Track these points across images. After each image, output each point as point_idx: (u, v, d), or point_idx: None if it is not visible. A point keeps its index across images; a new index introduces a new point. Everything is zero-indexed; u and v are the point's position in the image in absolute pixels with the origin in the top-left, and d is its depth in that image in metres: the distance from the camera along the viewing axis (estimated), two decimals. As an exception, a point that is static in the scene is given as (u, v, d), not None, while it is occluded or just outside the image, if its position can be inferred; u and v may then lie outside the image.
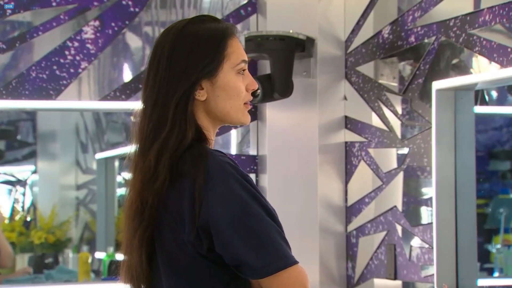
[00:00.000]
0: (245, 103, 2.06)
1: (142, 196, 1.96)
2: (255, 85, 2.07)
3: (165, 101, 1.98)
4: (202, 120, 2.02)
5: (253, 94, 2.11)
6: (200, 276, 1.93)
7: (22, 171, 6.37)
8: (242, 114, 2.06)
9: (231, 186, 1.90)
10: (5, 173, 6.34)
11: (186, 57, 2.00)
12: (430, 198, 3.62)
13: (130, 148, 2.03)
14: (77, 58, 4.12)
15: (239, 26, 4.33)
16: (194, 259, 1.93)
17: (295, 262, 1.89)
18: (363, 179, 4.12)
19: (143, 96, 2.03)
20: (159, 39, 2.05)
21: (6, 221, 5.87)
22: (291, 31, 3.99)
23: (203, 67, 2.00)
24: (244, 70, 2.05)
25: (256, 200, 1.90)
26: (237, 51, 2.04)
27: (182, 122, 1.97)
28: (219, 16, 4.42)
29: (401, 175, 3.89)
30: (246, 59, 2.06)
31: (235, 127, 4.36)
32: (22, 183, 6.32)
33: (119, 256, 2.05)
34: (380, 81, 4.03)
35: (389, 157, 4.04)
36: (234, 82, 2.02)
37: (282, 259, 1.88)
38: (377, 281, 4.01)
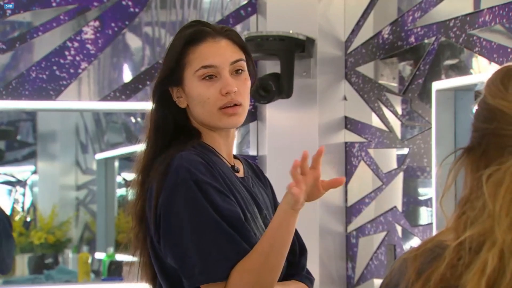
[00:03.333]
0: (221, 108, 2.00)
1: (140, 195, 2.00)
2: (228, 88, 1.99)
3: (152, 106, 2.06)
4: (197, 126, 2.04)
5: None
6: (179, 278, 1.93)
7: (22, 171, 6.37)
8: (218, 119, 2.01)
9: (176, 193, 1.90)
10: (5, 174, 6.33)
11: (162, 66, 2.05)
12: (430, 199, 3.62)
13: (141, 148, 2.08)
14: (77, 58, 4.12)
15: (239, 27, 4.33)
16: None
17: (219, 279, 1.86)
18: (363, 180, 4.12)
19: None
20: None
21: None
22: (291, 32, 3.99)
23: (167, 75, 2.02)
24: (211, 75, 1.99)
25: (199, 208, 1.88)
26: (199, 58, 2.00)
27: (157, 126, 2.02)
28: (218, 17, 4.43)
29: (401, 176, 3.89)
30: (213, 63, 1.99)
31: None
32: (22, 183, 6.31)
33: (124, 257, 2.06)
34: (380, 82, 4.03)
35: (389, 158, 4.04)
36: (196, 90, 2.00)
37: (204, 274, 1.86)
38: (377, 281, 4.00)
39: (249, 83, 2.05)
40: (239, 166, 2.10)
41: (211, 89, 1.99)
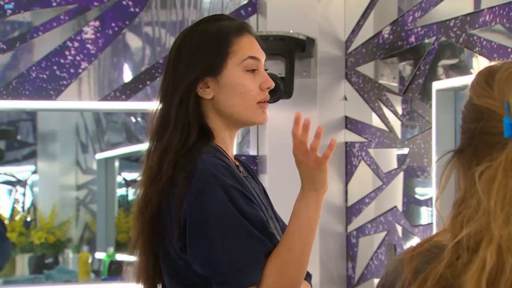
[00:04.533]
0: (259, 102, 2.01)
1: (147, 196, 1.94)
2: (269, 83, 2.01)
3: (170, 100, 1.98)
4: (214, 120, 1.99)
5: (269, 93, 2.07)
6: (193, 279, 1.91)
7: (22, 171, 6.37)
8: (255, 113, 2.01)
9: (203, 198, 1.85)
10: (5, 173, 6.34)
11: (190, 56, 1.98)
12: (430, 199, 3.62)
13: (143, 148, 2.03)
14: (77, 58, 4.12)
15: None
16: (187, 264, 1.90)
17: (252, 284, 1.84)
18: (363, 179, 4.12)
19: (157, 96, 2.03)
20: (175, 39, 2.06)
21: (6, 221, 5.87)
22: (291, 31, 3.99)
23: (205, 64, 1.96)
24: (254, 69, 2.00)
25: (227, 214, 1.84)
26: (244, 48, 1.99)
27: (185, 121, 1.95)
28: (219, 16, 4.42)
29: (401, 175, 3.89)
30: (258, 56, 2.01)
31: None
32: (22, 183, 6.31)
33: (126, 256, 2.03)
34: (380, 81, 4.03)
35: (389, 157, 4.04)
36: (240, 79, 1.98)
37: (237, 279, 1.83)
38: (377, 281, 4.00)
39: None
40: (240, 166, 2.09)
41: (253, 82, 1.99)
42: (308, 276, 2.07)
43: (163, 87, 2.01)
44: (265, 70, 2.06)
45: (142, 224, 1.96)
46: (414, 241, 3.78)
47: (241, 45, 1.99)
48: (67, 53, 4.12)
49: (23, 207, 6.25)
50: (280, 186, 4.19)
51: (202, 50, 1.97)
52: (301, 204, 1.90)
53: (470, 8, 3.46)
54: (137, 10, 4.20)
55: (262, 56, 2.03)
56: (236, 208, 1.85)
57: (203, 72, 1.97)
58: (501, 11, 3.21)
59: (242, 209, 1.86)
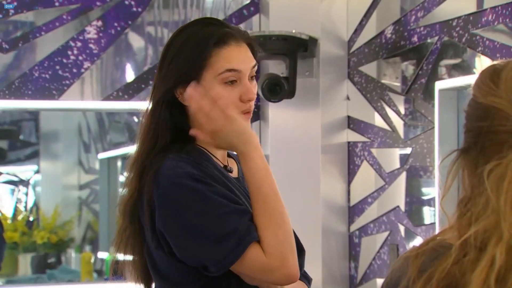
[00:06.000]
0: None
1: (130, 196, 1.97)
2: (249, 95, 1.96)
3: (152, 105, 2.01)
4: (198, 125, 1.96)
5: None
6: (177, 278, 1.91)
7: (25, 171, 6.37)
8: None
9: (171, 192, 1.86)
10: (7, 173, 6.34)
11: (170, 62, 1.97)
12: (433, 198, 3.62)
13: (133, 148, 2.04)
14: (80, 58, 4.13)
15: (241, 26, 4.33)
16: (168, 261, 1.91)
17: (253, 239, 1.83)
18: (365, 179, 4.12)
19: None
20: (169, 38, 2.05)
21: (9, 221, 5.87)
22: (293, 31, 3.99)
23: (180, 74, 1.95)
24: (233, 80, 1.95)
25: (199, 192, 1.84)
26: (222, 61, 1.94)
27: (156, 126, 1.97)
28: (221, 16, 4.42)
29: (403, 175, 3.89)
30: (238, 67, 1.95)
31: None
32: (24, 183, 6.31)
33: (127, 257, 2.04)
34: (383, 81, 4.03)
35: (391, 157, 4.04)
36: (216, 93, 1.93)
37: (240, 243, 1.82)
38: (379, 281, 4.00)
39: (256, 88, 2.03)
40: (233, 165, 2.07)
41: (231, 94, 1.94)
42: (307, 279, 2.06)
43: (152, 89, 2.04)
44: (254, 76, 2.00)
45: (124, 225, 1.99)
46: (417, 241, 3.77)
47: (220, 57, 1.95)
48: (69, 53, 4.12)
49: (25, 207, 6.25)
50: (282, 186, 4.19)
51: (180, 58, 1.96)
52: (247, 164, 1.88)
53: (472, 8, 3.45)
54: (139, 9, 4.20)
55: (245, 65, 1.96)
56: (210, 191, 1.85)
57: (178, 82, 1.96)
58: (504, 11, 3.21)
59: (216, 190, 1.86)
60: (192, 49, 1.95)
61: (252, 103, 1.98)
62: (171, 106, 1.97)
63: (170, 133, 1.96)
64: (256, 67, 2.00)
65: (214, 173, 1.92)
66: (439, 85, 3.50)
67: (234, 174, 2.04)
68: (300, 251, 2.05)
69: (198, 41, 1.95)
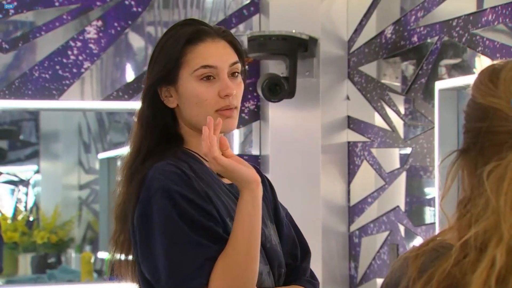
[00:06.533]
0: (218, 110, 1.94)
1: (121, 200, 1.98)
2: (228, 90, 1.94)
3: (140, 105, 2.04)
4: (184, 127, 1.98)
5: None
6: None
7: (25, 171, 6.37)
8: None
9: (149, 205, 1.86)
10: (7, 173, 6.34)
11: (151, 64, 2.00)
12: (433, 198, 3.62)
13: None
14: (80, 58, 4.13)
15: (241, 26, 4.33)
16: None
17: (197, 285, 1.81)
18: (365, 179, 4.12)
19: None
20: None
21: (9, 221, 5.87)
22: (293, 31, 3.99)
23: (159, 74, 1.97)
24: (209, 76, 1.94)
25: (170, 220, 1.83)
26: (198, 58, 1.95)
27: (141, 128, 1.98)
28: (221, 16, 4.43)
29: (403, 175, 3.89)
30: (214, 64, 1.94)
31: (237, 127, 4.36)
32: (24, 183, 6.32)
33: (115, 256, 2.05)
34: (383, 81, 4.03)
35: (391, 157, 4.04)
36: (192, 89, 1.94)
37: (187, 281, 1.81)
38: (379, 281, 4.00)
39: (243, 86, 2.00)
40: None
41: (209, 90, 1.94)
42: (312, 285, 2.04)
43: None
44: (237, 73, 1.99)
45: (118, 226, 2.00)
46: (417, 240, 3.77)
47: (195, 54, 1.95)
48: (69, 52, 4.12)
49: (25, 207, 6.25)
50: (282, 186, 4.19)
51: (159, 59, 1.98)
52: (240, 203, 1.85)
53: (472, 8, 3.45)
54: (139, 9, 4.20)
55: (222, 61, 1.96)
56: (179, 215, 1.84)
57: (157, 82, 1.98)
58: (504, 11, 3.21)
59: (186, 216, 1.84)
60: (169, 49, 1.97)
61: (234, 99, 1.95)
62: (156, 108, 1.99)
63: (156, 135, 1.97)
64: (238, 64, 1.99)
65: (200, 184, 1.89)
66: (439, 85, 3.50)
67: (227, 180, 1.97)
68: (306, 253, 2.04)
69: (173, 41, 1.97)
